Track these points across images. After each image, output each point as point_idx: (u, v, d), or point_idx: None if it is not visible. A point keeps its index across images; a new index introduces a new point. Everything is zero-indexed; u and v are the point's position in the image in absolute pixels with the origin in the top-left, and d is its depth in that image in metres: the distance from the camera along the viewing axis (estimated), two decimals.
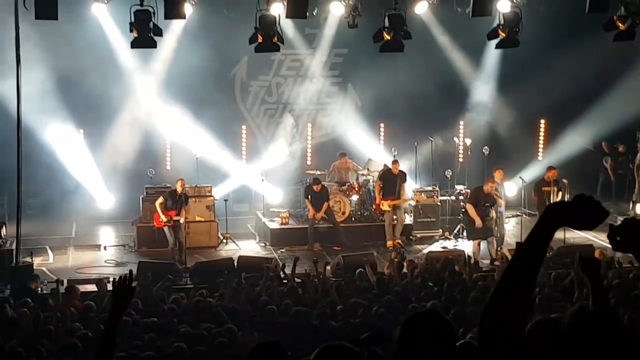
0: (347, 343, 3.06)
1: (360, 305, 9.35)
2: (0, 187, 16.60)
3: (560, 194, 15.05)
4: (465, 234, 16.07)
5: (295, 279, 11.66)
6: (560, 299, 9.22)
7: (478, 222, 14.28)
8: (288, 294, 10.41)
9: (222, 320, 8.96)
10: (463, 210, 16.38)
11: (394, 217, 15.83)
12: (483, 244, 14.56)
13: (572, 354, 2.51)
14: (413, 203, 16.71)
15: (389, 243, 15.68)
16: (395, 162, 16.14)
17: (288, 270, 12.09)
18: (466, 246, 15.21)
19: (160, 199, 14.85)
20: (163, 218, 14.68)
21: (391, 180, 15.86)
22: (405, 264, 12.38)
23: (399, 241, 15.70)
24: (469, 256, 13.53)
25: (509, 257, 12.61)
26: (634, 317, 7.35)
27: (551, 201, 14.87)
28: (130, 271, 4.43)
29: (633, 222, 2.55)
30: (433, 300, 9.75)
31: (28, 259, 13.40)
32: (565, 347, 2.54)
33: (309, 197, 16.02)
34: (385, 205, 15.79)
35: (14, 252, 13.30)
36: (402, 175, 16.05)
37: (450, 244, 15.95)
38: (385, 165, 17.29)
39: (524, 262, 2.58)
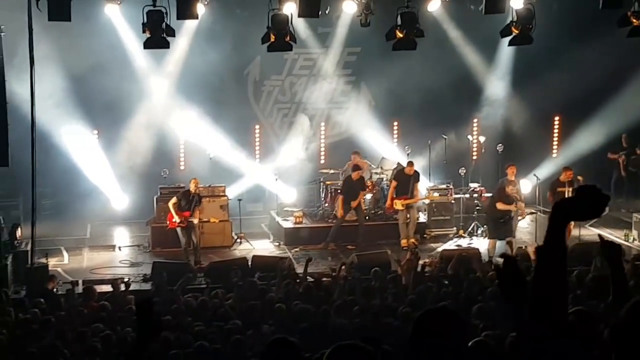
0: (360, 342, 3.05)
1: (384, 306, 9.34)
2: (15, 188, 16.68)
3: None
4: (479, 231, 16.03)
5: (309, 278, 11.63)
6: (588, 297, 9.12)
7: (514, 207, 14.30)
8: (303, 294, 10.39)
9: (232, 318, 8.96)
10: (478, 208, 16.33)
11: (407, 215, 15.80)
12: (498, 243, 14.51)
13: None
14: (427, 202, 16.66)
15: (404, 242, 15.64)
16: (410, 163, 16.08)
17: (299, 270, 12.08)
18: (480, 244, 15.18)
19: (174, 200, 14.87)
20: (176, 219, 14.70)
21: (405, 180, 15.83)
22: (420, 263, 12.33)
23: (414, 240, 15.67)
24: (480, 254, 13.49)
25: (532, 256, 12.64)
26: None
27: None
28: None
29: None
30: (449, 299, 9.70)
31: (43, 260, 13.47)
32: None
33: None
34: (399, 205, 15.76)
35: (30, 253, 13.38)
36: (416, 175, 16.00)
37: (464, 242, 15.91)
38: (398, 163, 17.26)
39: (547, 263, 2.62)
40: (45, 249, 14.20)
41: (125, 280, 11.98)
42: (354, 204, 15.72)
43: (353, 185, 15.83)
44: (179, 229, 14.73)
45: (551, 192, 15.06)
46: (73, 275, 13.62)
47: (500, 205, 14.46)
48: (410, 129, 18.81)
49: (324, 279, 11.69)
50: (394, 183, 15.94)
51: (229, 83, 18.37)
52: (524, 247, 14.08)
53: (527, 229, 16.29)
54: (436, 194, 16.66)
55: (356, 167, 15.97)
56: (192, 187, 14.89)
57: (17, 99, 14.31)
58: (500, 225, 14.45)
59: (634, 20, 14.04)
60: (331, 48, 18.74)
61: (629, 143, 18.34)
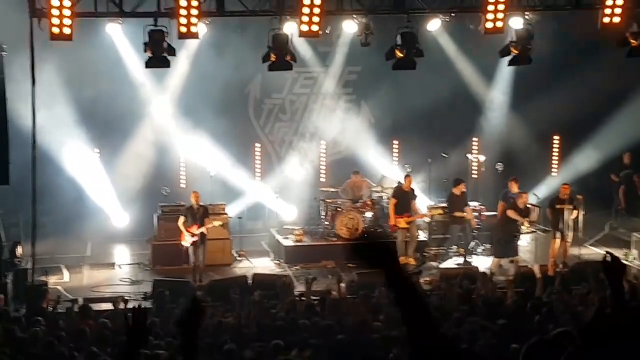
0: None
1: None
2: (16, 206, 16.69)
3: (575, 211, 14.98)
4: (479, 250, 16.00)
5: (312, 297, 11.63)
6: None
7: (526, 219, 14.42)
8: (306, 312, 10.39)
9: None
10: (478, 226, 16.28)
11: (407, 234, 15.81)
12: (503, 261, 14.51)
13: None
14: (427, 220, 16.68)
15: (402, 259, 15.63)
16: (407, 176, 16.12)
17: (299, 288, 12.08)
18: (480, 262, 15.18)
19: (182, 219, 14.89)
20: (188, 237, 14.71)
21: (404, 197, 15.86)
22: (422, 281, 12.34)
23: (413, 260, 15.68)
24: (486, 272, 13.48)
25: (538, 274, 12.65)
26: None
27: (565, 218, 14.82)
28: (139, 306, 4.31)
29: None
30: (472, 317, 9.65)
31: (43, 278, 13.47)
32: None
33: (397, 199, 15.93)
34: (402, 223, 15.77)
35: (30, 271, 13.38)
36: (413, 192, 16.05)
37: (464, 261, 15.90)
38: (398, 182, 17.29)
39: None
40: (45, 266, 14.21)
41: (126, 298, 11.98)
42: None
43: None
44: (191, 247, 14.73)
45: (550, 208, 15.13)
46: (73, 293, 13.60)
47: (511, 213, 14.45)
48: (410, 148, 18.85)
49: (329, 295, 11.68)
50: (393, 201, 15.96)
51: (230, 101, 18.44)
52: (529, 266, 14.09)
53: (527, 247, 16.30)
54: (439, 211, 16.70)
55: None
56: (193, 201, 14.93)
57: (19, 117, 14.37)
58: (509, 244, 14.45)
59: (633, 41, 14.13)
60: (331, 67, 18.84)
61: (631, 161, 18.26)
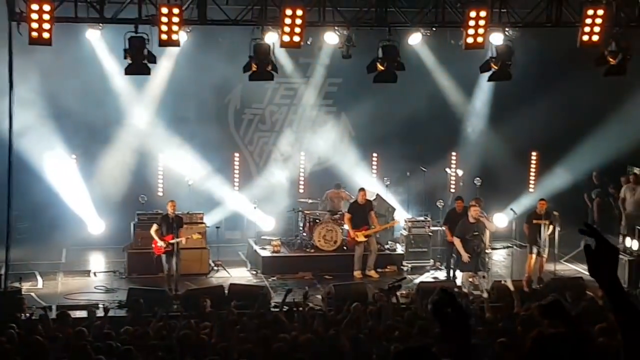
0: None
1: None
2: None
3: (551, 227, 15.06)
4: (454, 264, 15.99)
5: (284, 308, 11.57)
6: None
7: (465, 257, 14.24)
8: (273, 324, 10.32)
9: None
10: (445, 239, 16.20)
11: (367, 247, 15.79)
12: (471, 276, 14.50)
13: None
14: (405, 233, 16.68)
15: (357, 274, 15.66)
16: (361, 190, 16.14)
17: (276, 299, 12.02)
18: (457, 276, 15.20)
19: (155, 227, 14.80)
20: (161, 243, 14.62)
21: (359, 211, 15.87)
22: (398, 294, 12.29)
23: (374, 272, 15.66)
24: (462, 287, 13.50)
25: (512, 288, 12.66)
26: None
27: (541, 233, 14.89)
28: None
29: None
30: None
31: (17, 284, 13.32)
32: None
33: (351, 214, 15.89)
34: (361, 236, 15.77)
35: (3, 277, 13.22)
36: (369, 204, 16.05)
37: (441, 274, 15.92)
38: (377, 195, 17.35)
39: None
40: (19, 273, 14.04)
41: (104, 305, 11.89)
42: (361, 234, 15.71)
43: (360, 210, 15.87)
44: (164, 256, 14.64)
45: (527, 224, 15.19)
46: (47, 300, 13.47)
47: (456, 242, 14.43)
48: (389, 161, 18.89)
49: (299, 308, 11.61)
50: (348, 216, 16.04)
51: (210, 111, 18.41)
52: (502, 282, 14.10)
53: (503, 262, 16.37)
54: (397, 219, 16.94)
55: (361, 190, 16.05)
56: (169, 210, 14.84)
57: None
58: (472, 258, 14.39)
59: (611, 59, 14.25)
60: (312, 78, 18.87)
61: (600, 180, 18.51)
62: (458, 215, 15.19)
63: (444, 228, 15.62)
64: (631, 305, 2.66)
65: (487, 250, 15.13)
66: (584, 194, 18.41)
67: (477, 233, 14.34)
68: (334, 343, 8.91)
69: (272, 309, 11.79)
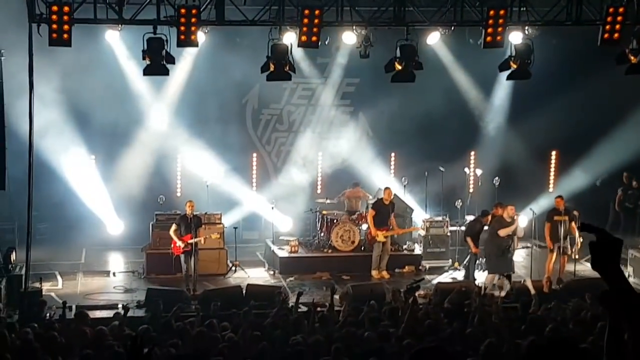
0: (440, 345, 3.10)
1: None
2: (11, 212, 16.66)
3: (573, 223, 14.94)
4: (479, 265, 15.85)
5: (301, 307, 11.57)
6: (581, 333, 9.07)
7: (473, 249, 14.20)
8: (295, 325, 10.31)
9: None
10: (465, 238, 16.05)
11: (382, 248, 15.75)
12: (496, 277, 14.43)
13: None
14: (422, 233, 16.62)
15: (375, 273, 15.62)
16: (387, 189, 16.04)
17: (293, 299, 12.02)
18: (477, 277, 15.12)
19: (174, 227, 14.83)
20: (180, 244, 14.66)
21: (383, 210, 15.81)
22: (416, 295, 12.24)
23: (386, 272, 15.63)
24: (480, 287, 13.42)
25: (531, 288, 12.58)
26: None
27: (561, 230, 14.78)
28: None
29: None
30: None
31: (37, 285, 13.39)
32: None
33: (376, 211, 15.79)
34: (381, 237, 15.71)
35: (24, 277, 13.31)
36: (392, 205, 15.98)
37: (459, 275, 15.85)
38: (395, 195, 17.28)
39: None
40: (39, 273, 14.13)
41: (125, 304, 11.93)
42: (383, 234, 15.66)
43: (384, 210, 15.79)
44: (182, 256, 14.68)
45: (548, 222, 15.07)
46: (67, 300, 13.45)
47: (502, 232, 14.38)
48: (407, 161, 18.83)
49: (319, 309, 11.61)
50: (372, 212, 15.87)
51: (227, 111, 18.43)
52: (522, 282, 14.03)
53: (522, 262, 16.26)
54: (418, 225, 16.80)
55: (387, 189, 15.94)
56: (188, 210, 14.87)
57: (16, 122, 14.36)
58: (501, 259, 14.38)
59: (632, 58, 14.13)
60: (330, 78, 18.85)
61: (630, 180, 18.31)
62: (482, 227, 15.12)
63: (467, 240, 15.29)
64: (634, 294, 2.65)
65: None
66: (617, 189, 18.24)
67: (510, 234, 14.34)
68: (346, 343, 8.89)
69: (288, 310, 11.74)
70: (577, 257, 15.09)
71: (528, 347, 3.04)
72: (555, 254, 14.86)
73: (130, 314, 11.50)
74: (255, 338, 9.29)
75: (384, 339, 9.11)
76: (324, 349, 8.65)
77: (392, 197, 15.96)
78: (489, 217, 15.15)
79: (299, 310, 11.61)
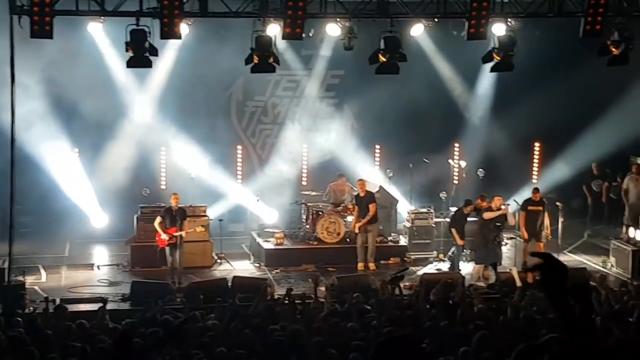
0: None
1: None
2: None
3: (546, 213, 15.16)
4: (464, 256, 15.90)
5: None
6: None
7: (459, 242, 14.26)
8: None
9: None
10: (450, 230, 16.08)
11: (365, 239, 15.78)
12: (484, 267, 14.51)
13: None
14: (408, 225, 16.66)
15: (360, 265, 15.65)
16: (359, 180, 16.15)
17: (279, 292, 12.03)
18: (462, 268, 15.19)
19: (158, 219, 14.79)
20: (165, 237, 14.62)
21: (360, 203, 15.86)
22: (402, 286, 12.30)
23: (372, 264, 15.65)
24: (464, 278, 13.48)
25: (517, 278, 12.65)
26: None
27: (537, 221, 14.96)
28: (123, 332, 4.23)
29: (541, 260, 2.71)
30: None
31: (20, 278, 13.33)
32: None
33: (356, 208, 15.88)
34: (355, 228, 15.77)
35: (6, 270, 13.24)
36: (369, 196, 15.99)
37: (444, 266, 15.91)
38: (380, 187, 17.33)
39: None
40: (22, 266, 14.05)
41: (103, 297, 11.89)
42: (361, 222, 15.71)
43: (360, 202, 15.86)
44: (167, 248, 14.64)
45: (524, 211, 15.22)
46: (51, 293, 13.43)
47: (487, 215, 14.45)
48: (392, 152, 18.88)
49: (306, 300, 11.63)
50: (355, 208, 16.06)
51: (212, 103, 18.39)
52: (508, 270, 14.11)
53: (507, 254, 16.33)
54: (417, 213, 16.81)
55: (360, 182, 15.99)
56: (172, 203, 14.84)
57: None
58: (489, 249, 14.45)
59: (614, 49, 14.19)
60: (314, 70, 18.83)
61: (600, 171, 18.45)
62: (465, 218, 15.20)
63: (452, 231, 15.38)
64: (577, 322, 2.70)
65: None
66: (582, 185, 18.37)
67: (499, 224, 14.38)
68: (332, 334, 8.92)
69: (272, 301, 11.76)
70: (549, 238, 15.27)
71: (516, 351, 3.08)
72: (530, 243, 15.02)
73: (115, 307, 11.49)
74: (238, 328, 9.32)
75: (367, 330, 9.14)
76: (304, 339, 8.68)
77: (365, 187, 15.98)
78: (472, 207, 15.24)
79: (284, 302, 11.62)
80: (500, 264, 14.75)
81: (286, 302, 11.31)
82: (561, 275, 2.81)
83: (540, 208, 15.14)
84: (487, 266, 14.59)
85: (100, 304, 11.16)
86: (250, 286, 13.16)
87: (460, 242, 15.06)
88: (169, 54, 16.84)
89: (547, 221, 15.33)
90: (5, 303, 12.30)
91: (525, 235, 15.08)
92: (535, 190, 15.57)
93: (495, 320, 9.59)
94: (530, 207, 15.14)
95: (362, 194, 15.91)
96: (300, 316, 10.46)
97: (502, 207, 14.56)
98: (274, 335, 8.80)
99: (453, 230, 15.24)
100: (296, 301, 11.29)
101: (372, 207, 15.87)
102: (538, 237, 15.10)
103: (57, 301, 12.40)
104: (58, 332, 9.47)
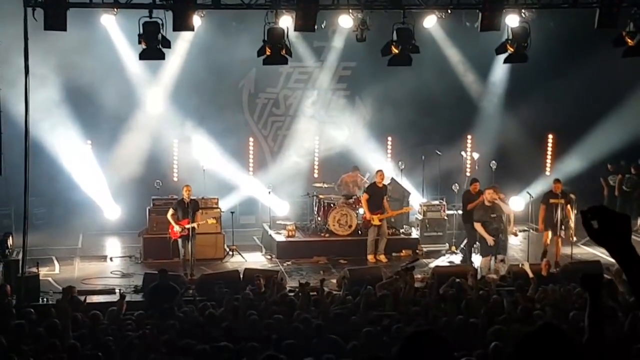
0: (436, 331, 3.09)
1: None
2: (8, 197, 16.62)
3: (568, 206, 14.94)
4: (475, 248, 15.83)
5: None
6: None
7: (489, 240, 14.09)
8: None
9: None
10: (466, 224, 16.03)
11: (378, 232, 15.74)
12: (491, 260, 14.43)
13: None
14: (420, 217, 16.62)
15: (370, 257, 15.61)
16: (379, 171, 15.96)
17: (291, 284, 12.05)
18: (474, 260, 15.13)
19: (171, 211, 14.81)
20: (177, 228, 14.65)
21: (377, 193, 15.78)
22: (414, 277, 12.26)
23: (383, 256, 15.61)
24: (475, 270, 13.42)
25: (529, 272, 12.58)
26: None
27: (557, 214, 14.77)
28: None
29: (598, 210, 2.65)
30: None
31: (34, 270, 13.39)
32: None
33: (369, 195, 15.72)
34: (376, 220, 15.68)
35: (20, 262, 13.30)
36: (385, 189, 15.95)
37: (456, 258, 15.88)
38: (392, 179, 17.30)
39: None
40: (36, 258, 14.10)
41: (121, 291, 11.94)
42: (378, 218, 15.59)
43: (377, 194, 15.74)
44: (180, 240, 14.67)
45: (543, 204, 15.06)
46: (64, 285, 13.47)
47: (478, 227, 14.27)
48: (404, 144, 18.84)
49: (313, 293, 11.63)
50: (365, 196, 15.82)
51: (224, 95, 18.39)
52: (520, 265, 14.02)
53: (519, 246, 16.29)
54: (411, 205, 16.93)
55: (380, 172, 15.86)
56: (185, 195, 14.85)
57: (11, 108, 14.29)
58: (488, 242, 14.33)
59: (629, 40, 14.08)
60: (326, 62, 18.80)
61: (615, 169, 18.36)
62: (473, 197, 15.06)
63: (477, 226, 14.96)
64: None
65: (510, 234, 15.00)
66: (600, 177, 18.27)
67: (495, 215, 14.24)
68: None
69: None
70: (573, 239, 15.08)
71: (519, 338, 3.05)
72: (549, 234, 14.84)
73: (127, 298, 11.52)
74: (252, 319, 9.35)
75: (376, 323, 9.14)
76: (312, 329, 8.71)
77: (384, 179, 15.95)
78: (477, 185, 15.08)
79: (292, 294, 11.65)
80: (505, 255, 14.59)
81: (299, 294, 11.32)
82: (625, 224, 2.76)
83: (562, 201, 14.88)
84: (495, 259, 14.47)
85: (119, 298, 11.19)
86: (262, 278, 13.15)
87: (490, 241, 14.13)
88: (181, 46, 16.85)
89: (571, 215, 14.89)
90: (20, 294, 12.36)
91: (541, 228, 14.92)
92: (556, 181, 15.24)
93: (512, 313, 9.57)
94: (552, 200, 14.92)
95: (380, 185, 15.83)
96: (314, 307, 10.46)
97: (496, 200, 14.30)
98: (291, 324, 8.82)
99: (478, 225, 14.31)
100: (311, 293, 11.30)
101: (386, 200, 15.86)
102: (555, 230, 14.87)
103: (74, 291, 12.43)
104: (75, 324, 9.51)
